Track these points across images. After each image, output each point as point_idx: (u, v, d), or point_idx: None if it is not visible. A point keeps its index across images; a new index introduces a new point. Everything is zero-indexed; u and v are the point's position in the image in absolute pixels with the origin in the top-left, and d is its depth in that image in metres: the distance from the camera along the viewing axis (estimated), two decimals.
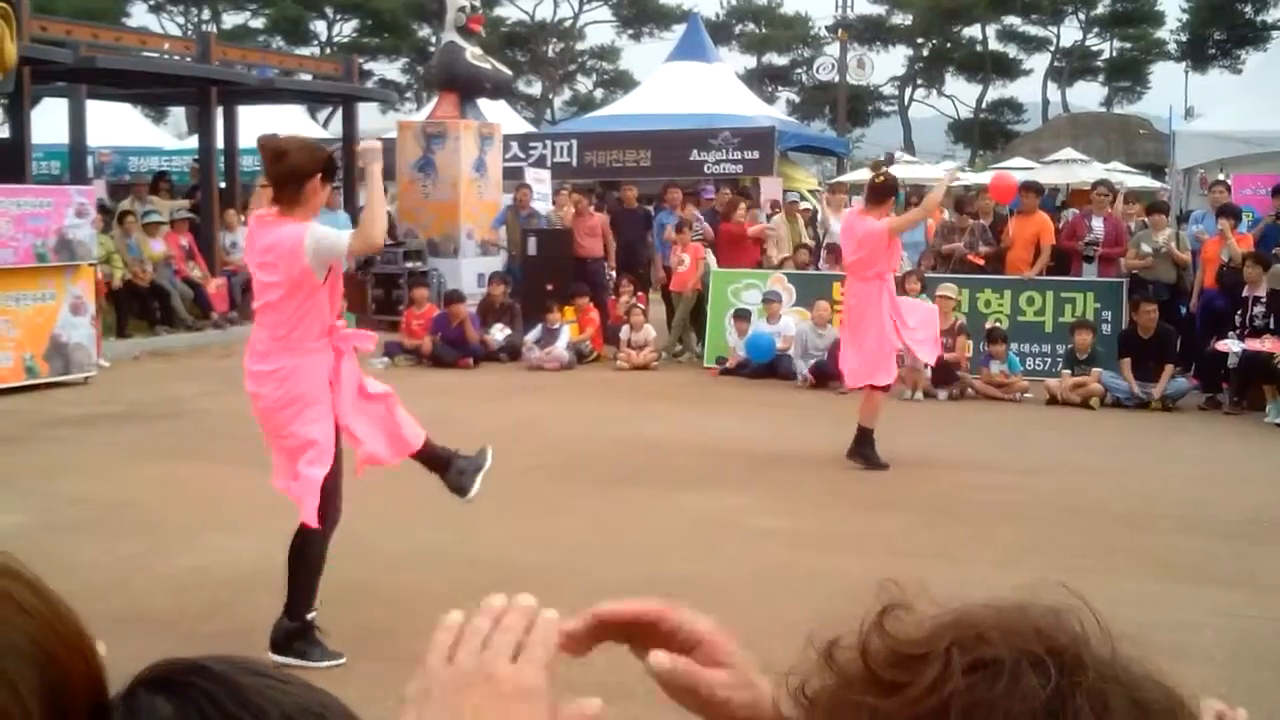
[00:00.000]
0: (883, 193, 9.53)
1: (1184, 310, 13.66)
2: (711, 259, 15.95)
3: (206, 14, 60.38)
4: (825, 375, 12.98)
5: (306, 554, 5.23)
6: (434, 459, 5.71)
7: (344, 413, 5.23)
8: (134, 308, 15.79)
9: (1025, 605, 0.85)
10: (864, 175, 35.93)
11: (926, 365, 11.74)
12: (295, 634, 5.22)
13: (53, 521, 7.51)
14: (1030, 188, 15.63)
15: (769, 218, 18.30)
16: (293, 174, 5.10)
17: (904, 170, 35.98)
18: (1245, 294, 12.47)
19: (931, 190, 9.69)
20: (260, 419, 5.28)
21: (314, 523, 5.13)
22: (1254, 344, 11.95)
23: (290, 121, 30.37)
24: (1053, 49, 62.61)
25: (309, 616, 5.27)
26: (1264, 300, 12.28)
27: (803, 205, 19.68)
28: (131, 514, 7.74)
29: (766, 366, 13.92)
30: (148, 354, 15.16)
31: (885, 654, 0.85)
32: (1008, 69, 63.76)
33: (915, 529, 7.59)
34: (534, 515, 7.77)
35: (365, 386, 5.45)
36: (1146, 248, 13.84)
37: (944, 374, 12.67)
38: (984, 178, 35.49)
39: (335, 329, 5.27)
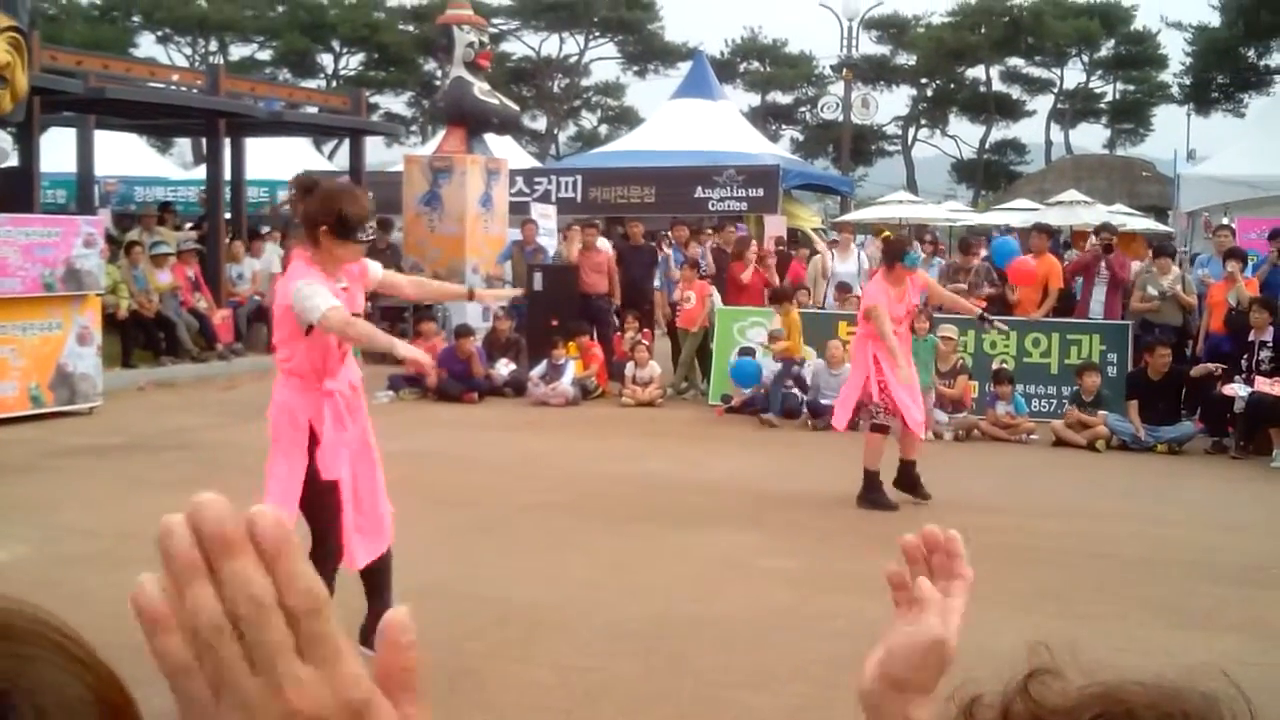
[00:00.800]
0: (888, 257, 9.65)
1: (1189, 353, 13.67)
2: (717, 296, 15.98)
3: (214, 45, 60.75)
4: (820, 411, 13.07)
5: None
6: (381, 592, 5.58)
7: (329, 465, 5.25)
8: (139, 338, 15.78)
9: (1178, 688, 0.84)
10: (868, 214, 36.16)
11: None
12: None
13: (58, 553, 7.49)
14: (1042, 229, 15.67)
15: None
16: (305, 217, 5.21)
17: (906, 210, 36.17)
18: (1251, 338, 12.47)
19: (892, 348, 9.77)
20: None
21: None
22: (1260, 387, 11.94)
23: (296, 154, 30.53)
24: (1056, 91, 62.94)
25: None
26: (1270, 344, 12.28)
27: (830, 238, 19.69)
28: (136, 545, 7.68)
29: (764, 398, 13.88)
30: (153, 384, 15.14)
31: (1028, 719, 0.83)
32: (1011, 110, 64.11)
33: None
34: (540, 553, 7.74)
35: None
36: (1153, 290, 13.86)
37: None
38: (987, 218, 35.64)
39: (326, 385, 5.30)
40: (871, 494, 9.26)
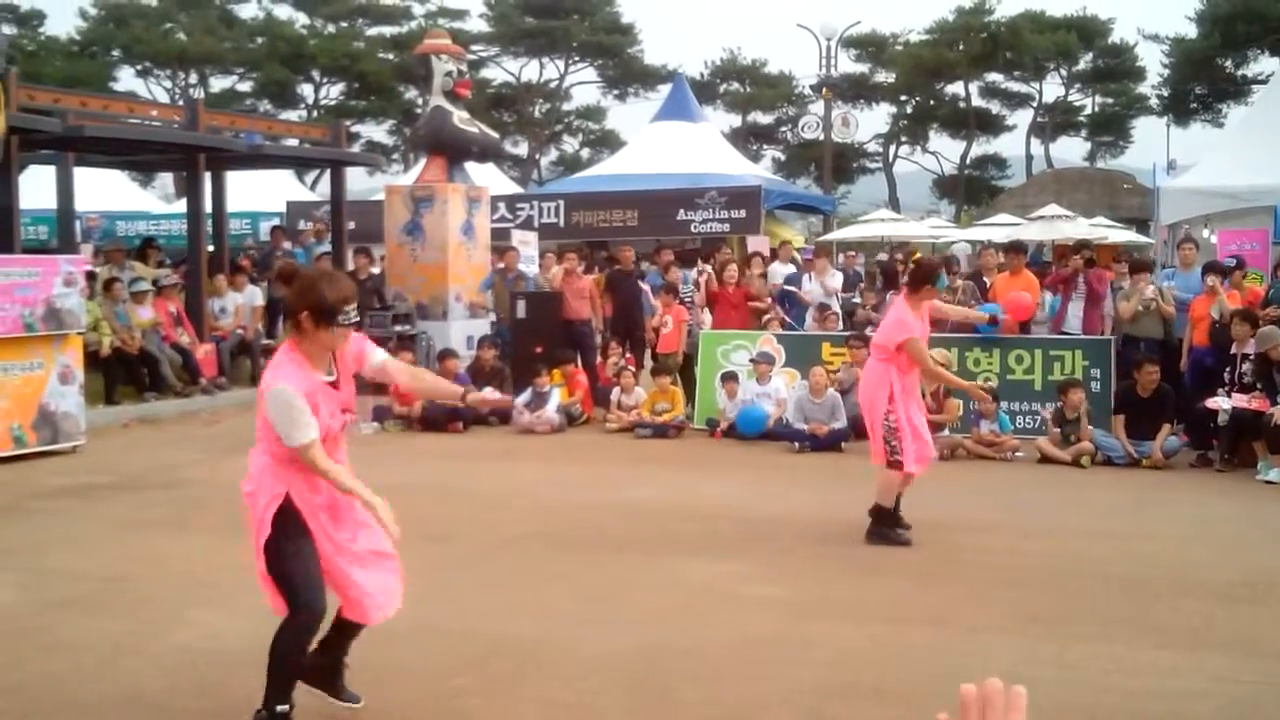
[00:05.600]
0: (917, 280, 9.09)
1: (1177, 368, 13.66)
2: (706, 318, 16.03)
3: (194, 78, 60.76)
4: (823, 445, 13.00)
5: (276, 644, 5.05)
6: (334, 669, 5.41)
7: (321, 532, 5.04)
8: (122, 375, 15.73)
9: None
10: (850, 233, 36.18)
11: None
12: None
13: (42, 598, 7.43)
14: (1015, 248, 15.80)
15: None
16: (286, 307, 5.09)
17: (889, 228, 36.27)
18: (1233, 350, 12.49)
19: (949, 377, 10.08)
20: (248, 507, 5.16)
21: (280, 611, 5.03)
22: (1242, 401, 11.96)
23: (278, 185, 30.53)
24: (1035, 105, 63.27)
25: (279, 709, 5.05)
26: (1252, 356, 12.29)
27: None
28: (121, 589, 7.66)
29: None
30: (136, 421, 15.09)
31: None
32: (991, 125, 64.41)
33: (909, 594, 7.54)
34: (527, 585, 7.72)
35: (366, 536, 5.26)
36: (1146, 295, 13.84)
37: None
38: (970, 234, 35.72)
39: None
40: (881, 529, 8.98)
